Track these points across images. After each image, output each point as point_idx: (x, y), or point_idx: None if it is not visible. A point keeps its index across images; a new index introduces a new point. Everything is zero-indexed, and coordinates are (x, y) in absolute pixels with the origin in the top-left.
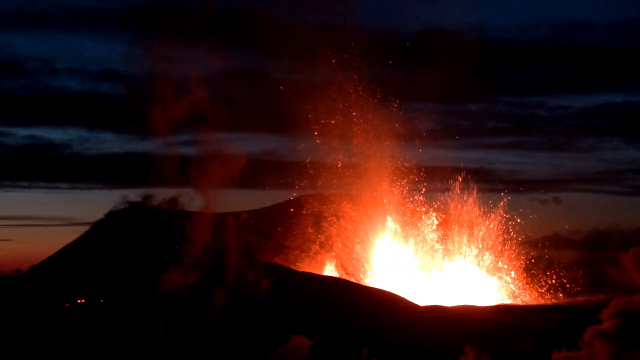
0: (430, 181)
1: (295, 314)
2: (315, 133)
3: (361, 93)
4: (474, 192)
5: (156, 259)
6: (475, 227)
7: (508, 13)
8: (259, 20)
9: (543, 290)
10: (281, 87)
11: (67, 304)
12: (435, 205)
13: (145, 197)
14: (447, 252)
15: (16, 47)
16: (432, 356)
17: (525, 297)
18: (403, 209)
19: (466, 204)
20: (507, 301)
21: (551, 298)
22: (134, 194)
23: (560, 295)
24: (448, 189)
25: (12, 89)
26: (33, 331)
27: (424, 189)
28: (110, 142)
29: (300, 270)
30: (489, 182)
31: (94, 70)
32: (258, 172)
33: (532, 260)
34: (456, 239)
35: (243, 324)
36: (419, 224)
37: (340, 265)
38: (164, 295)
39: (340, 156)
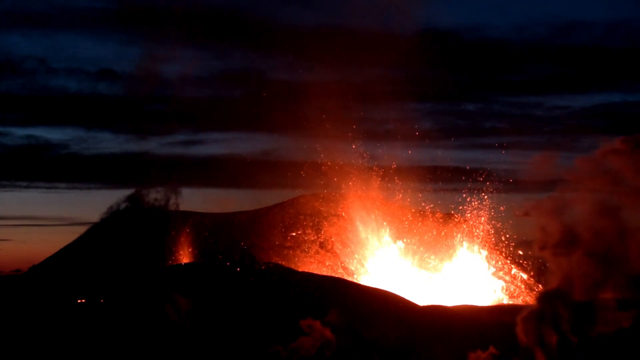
0: (428, 181)
1: (295, 313)
2: (313, 134)
3: (358, 94)
4: (472, 191)
5: (155, 257)
6: (474, 227)
7: (505, 13)
8: (257, 20)
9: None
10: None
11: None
12: (435, 206)
13: (143, 196)
14: (446, 252)
15: (13, 47)
16: (432, 355)
17: (526, 297)
18: (402, 209)
19: (465, 204)
20: (507, 301)
21: None
22: (132, 194)
23: None
24: (446, 189)
25: (9, 89)
26: (34, 330)
27: (421, 189)
28: (107, 142)
29: (300, 270)
30: (486, 182)
31: (91, 70)
32: (257, 172)
33: (532, 261)
34: (455, 238)
35: (244, 322)
36: (419, 225)
37: (340, 265)
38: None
39: (338, 156)
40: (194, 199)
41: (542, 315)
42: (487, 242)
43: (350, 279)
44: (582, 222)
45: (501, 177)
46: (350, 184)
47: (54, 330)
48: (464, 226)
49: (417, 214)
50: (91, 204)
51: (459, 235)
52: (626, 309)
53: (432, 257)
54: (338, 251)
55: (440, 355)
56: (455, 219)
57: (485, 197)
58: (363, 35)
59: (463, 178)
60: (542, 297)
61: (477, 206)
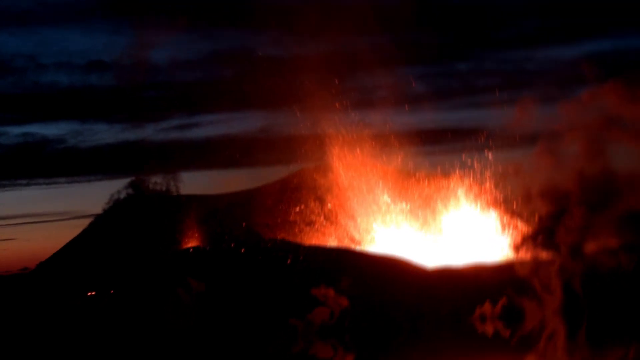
0: (425, 144)
1: (306, 286)
2: (307, 107)
3: (349, 60)
4: (472, 151)
5: (160, 243)
6: (476, 185)
7: None
8: None
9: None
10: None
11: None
12: (434, 168)
13: (144, 183)
14: (449, 213)
15: (1, 46)
16: (445, 318)
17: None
18: (401, 174)
19: (465, 165)
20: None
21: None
22: (132, 180)
23: None
24: (445, 151)
25: (0, 88)
26: (48, 326)
27: (418, 152)
28: (103, 133)
29: (307, 243)
30: (483, 140)
31: (80, 63)
32: (255, 150)
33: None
34: (458, 198)
35: (256, 300)
36: (420, 188)
37: (347, 235)
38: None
39: (332, 127)
40: (194, 182)
41: (538, 237)
42: (490, 200)
43: (357, 247)
44: (568, 171)
45: (499, 134)
46: (346, 152)
47: (67, 325)
48: (466, 185)
49: (417, 177)
50: (93, 196)
51: (461, 195)
52: (628, 252)
53: (435, 218)
54: (343, 222)
55: (452, 318)
56: (457, 179)
57: (487, 155)
58: (350, 3)
59: (460, 139)
60: (540, 219)
61: (477, 165)
